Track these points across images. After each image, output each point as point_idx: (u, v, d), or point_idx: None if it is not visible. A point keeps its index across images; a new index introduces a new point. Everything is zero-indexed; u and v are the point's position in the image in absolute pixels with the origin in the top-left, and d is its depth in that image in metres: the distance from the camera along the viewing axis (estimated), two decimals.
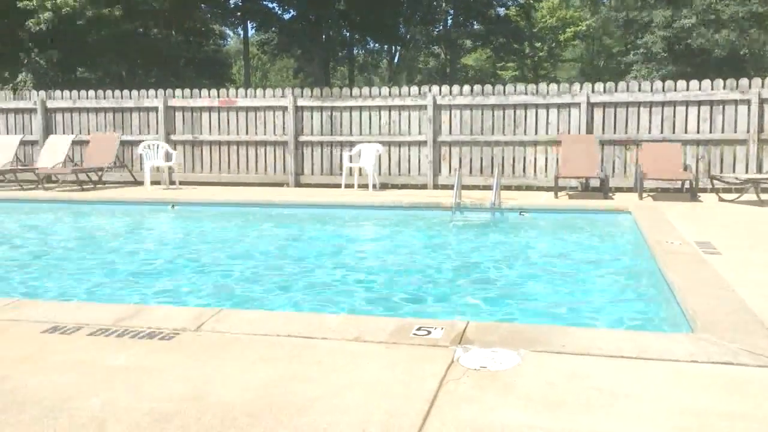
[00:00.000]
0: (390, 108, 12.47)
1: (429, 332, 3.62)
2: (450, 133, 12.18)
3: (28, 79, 24.27)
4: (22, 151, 13.45)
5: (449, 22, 37.17)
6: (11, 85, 23.48)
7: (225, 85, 34.15)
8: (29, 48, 25.35)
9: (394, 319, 3.99)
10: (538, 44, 41.01)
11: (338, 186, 12.11)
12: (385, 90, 12.67)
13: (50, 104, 13.70)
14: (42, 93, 14.04)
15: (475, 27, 36.86)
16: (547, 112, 11.71)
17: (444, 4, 35.72)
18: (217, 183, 12.98)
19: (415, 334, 3.59)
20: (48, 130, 13.63)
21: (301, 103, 12.75)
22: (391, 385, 2.94)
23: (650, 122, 11.31)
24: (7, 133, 13.68)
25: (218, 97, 13.15)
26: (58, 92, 14.03)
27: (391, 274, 6.37)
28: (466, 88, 12.24)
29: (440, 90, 12.32)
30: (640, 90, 11.40)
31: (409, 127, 12.40)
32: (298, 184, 12.80)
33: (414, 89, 12.52)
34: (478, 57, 44.50)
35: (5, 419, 2.67)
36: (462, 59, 41.32)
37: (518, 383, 2.93)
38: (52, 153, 12.69)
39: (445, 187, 12.11)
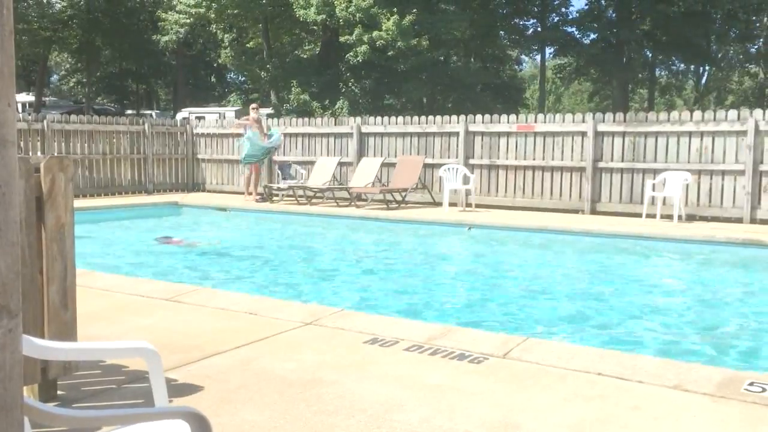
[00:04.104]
0: (702, 134, 11.49)
1: (764, 389, 3.21)
2: None
3: (344, 106, 26.92)
4: (338, 171, 14.89)
5: None
6: (330, 111, 26.23)
7: (518, 110, 34.51)
8: (347, 78, 28.14)
9: (720, 369, 3.62)
10: None
11: (638, 215, 11.46)
12: (697, 114, 11.72)
13: (364, 129, 15.00)
14: (358, 119, 15.44)
15: None
16: None
17: (766, 19, 32.16)
18: (511, 207, 13.07)
19: (746, 389, 3.21)
20: (361, 152, 14.93)
21: (601, 128, 12.34)
22: None
23: None
24: (328, 155, 15.27)
25: (516, 122, 13.28)
26: (371, 118, 15.31)
27: (703, 317, 5.82)
28: None
29: (764, 114, 11.04)
30: None
31: (724, 155, 11.30)
32: (593, 212, 12.37)
33: (732, 113, 11.38)
34: None
35: (336, 422, 2.92)
36: None
37: None
38: (364, 174, 13.87)
39: (764, 222, 10.79)
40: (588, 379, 3.38)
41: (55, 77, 52.59)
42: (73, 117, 15.37)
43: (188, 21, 29.03)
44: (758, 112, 11.15)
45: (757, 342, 5.03)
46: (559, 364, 3.58)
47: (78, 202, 11.54)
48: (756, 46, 34.36)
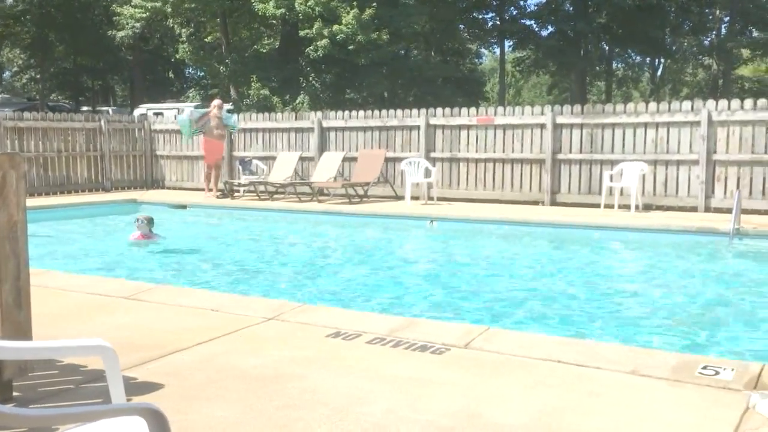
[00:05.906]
0: (657, 125, 11.71)
1: (717, 372, 3.30)
2: (727, 151, 11.11)
3: (305, 101, 26.77)
4: (300, 166, 14.81)
5: (723, 30, 34.14)
6: (291, 106, 26.05)
7: (479, 103, 34.73)
8: (307, 73, 27.99)
9: (674, 354, 3.70)
10: None
11: (596, 206, 11.64)
12: (652, 105, 11.93)
13: (325, 123, 14.95)
14: (319, 114, 15.38)
15: (755, 35, 33.40)
16: None
17: (718, 12, 32.89)
18: (473, 199, 13.17)
19: (700, 373, 3.29)
20: (323, 147, 14.88)
21: (560, 120, 12.49)
22: (679, 429, 2.71)
23: None
24: (289, 150, 15.18)
25: (477, 114, 13.37)
26: (332, 113, 15.27)
27: (660, 303, 5.95)
28: (748, 102, 11.07)
29: (716, 105, 11.30)
30: None
31: (679, 145, 11.53)
32: (553, 203, 12.53)
33: (686, 104, 11.63)
34: (756, 68, 40.30)
35: (300, 416, 2.92)
36: (737, 70, 37.66)
37: None
38: (326, 168, 13.83)
39: (718, 210, 11.05)
40: (549, 367, 3.43)
41: (7, 74, 51.22)
42: (26, 114, 15.00)
43: (144, 15, 28.51)
44: (711, 103, 11.40)
45: (708, 326, 5.16)
46: (521, 353, 3.63)
47: (32, 201, 11.24)
48: (708, 39, 35.11)
